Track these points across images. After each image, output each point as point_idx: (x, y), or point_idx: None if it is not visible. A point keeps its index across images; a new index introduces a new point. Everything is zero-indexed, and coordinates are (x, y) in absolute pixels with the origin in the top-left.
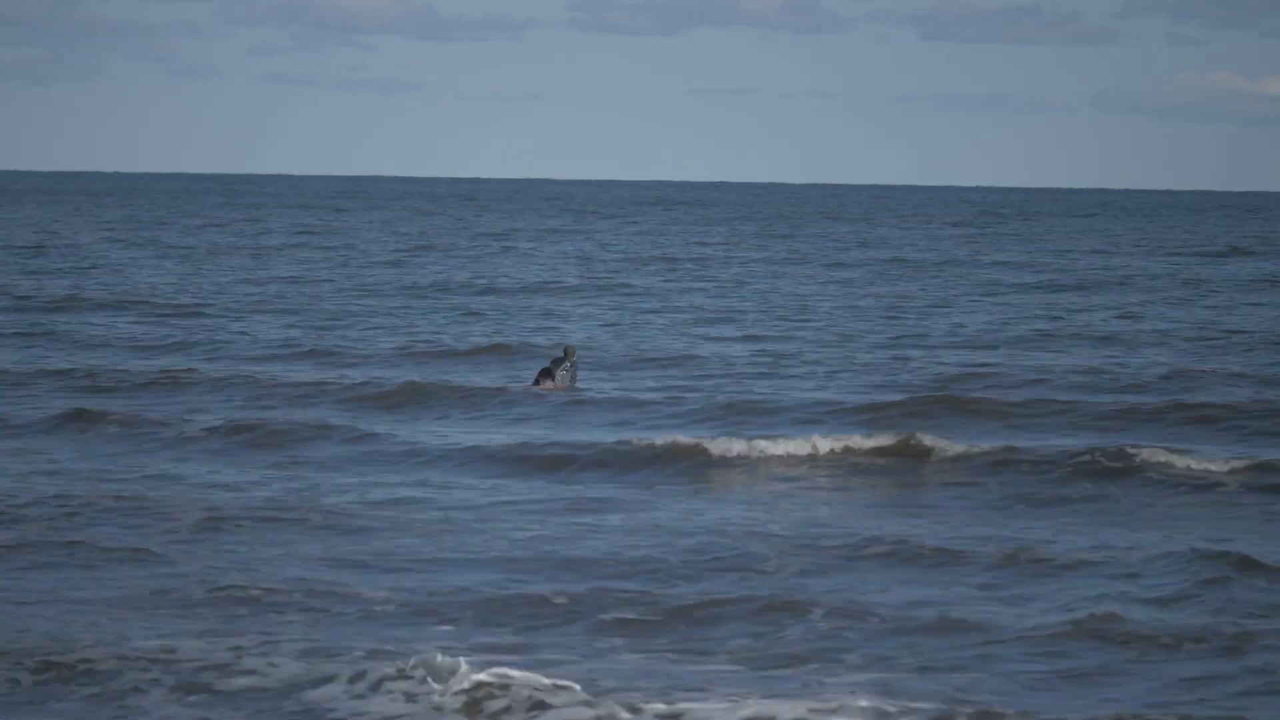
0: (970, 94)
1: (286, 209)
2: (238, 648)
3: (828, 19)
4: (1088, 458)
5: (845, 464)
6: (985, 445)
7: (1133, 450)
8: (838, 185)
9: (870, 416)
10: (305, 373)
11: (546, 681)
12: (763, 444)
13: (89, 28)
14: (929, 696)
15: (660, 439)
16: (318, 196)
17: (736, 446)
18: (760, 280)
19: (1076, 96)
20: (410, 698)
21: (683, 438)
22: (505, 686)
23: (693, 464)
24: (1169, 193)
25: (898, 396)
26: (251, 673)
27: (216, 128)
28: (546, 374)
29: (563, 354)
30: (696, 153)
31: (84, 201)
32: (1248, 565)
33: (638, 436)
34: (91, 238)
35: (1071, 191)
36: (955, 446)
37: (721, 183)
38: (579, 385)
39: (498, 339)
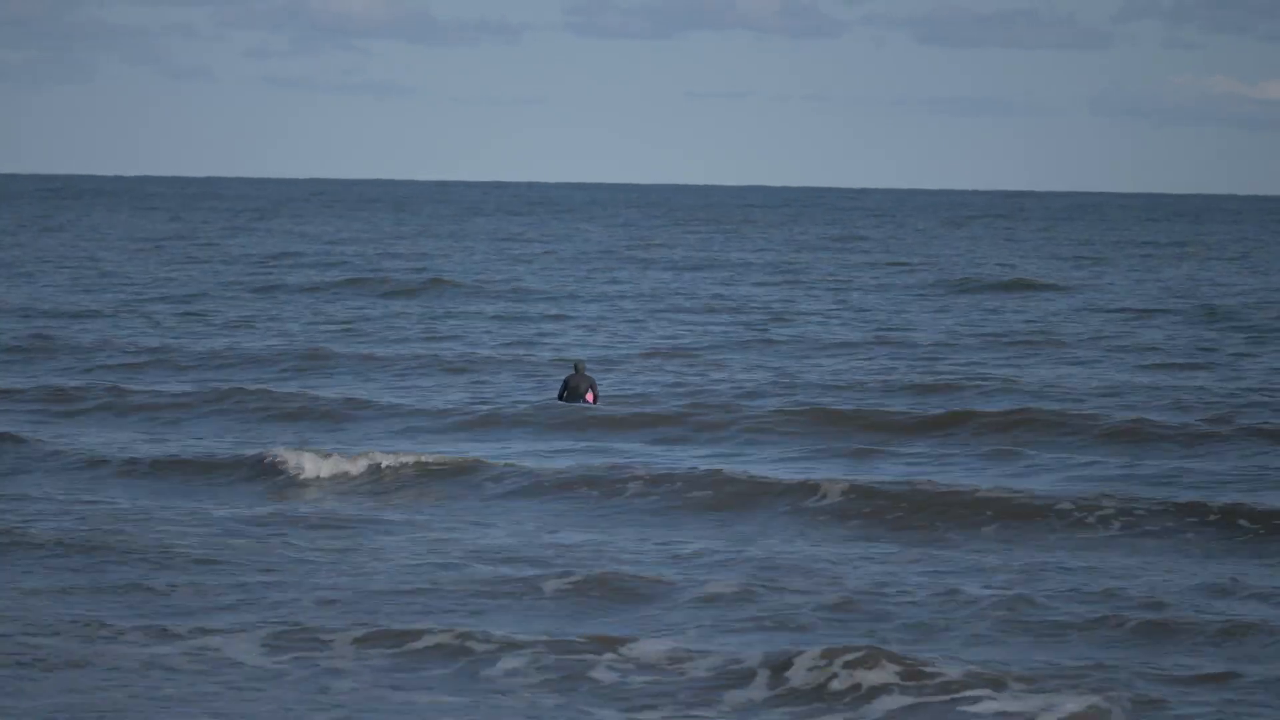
0: (966, 97)
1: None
2: None
3: (823, 22)
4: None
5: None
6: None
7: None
8: (836, 189)
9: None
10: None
11: None
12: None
13: (84, 30)
14: None
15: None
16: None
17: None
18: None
19: (1073, 100)
20: None
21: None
22: None
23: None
24: (1165, 196)
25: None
26: None
27: (214, 131)
28: (571, 390)
29: (574, 369)
30: (693, 155)
31: None
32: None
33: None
34: None
35: (1065, 195)
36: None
37: (715, 186)
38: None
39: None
